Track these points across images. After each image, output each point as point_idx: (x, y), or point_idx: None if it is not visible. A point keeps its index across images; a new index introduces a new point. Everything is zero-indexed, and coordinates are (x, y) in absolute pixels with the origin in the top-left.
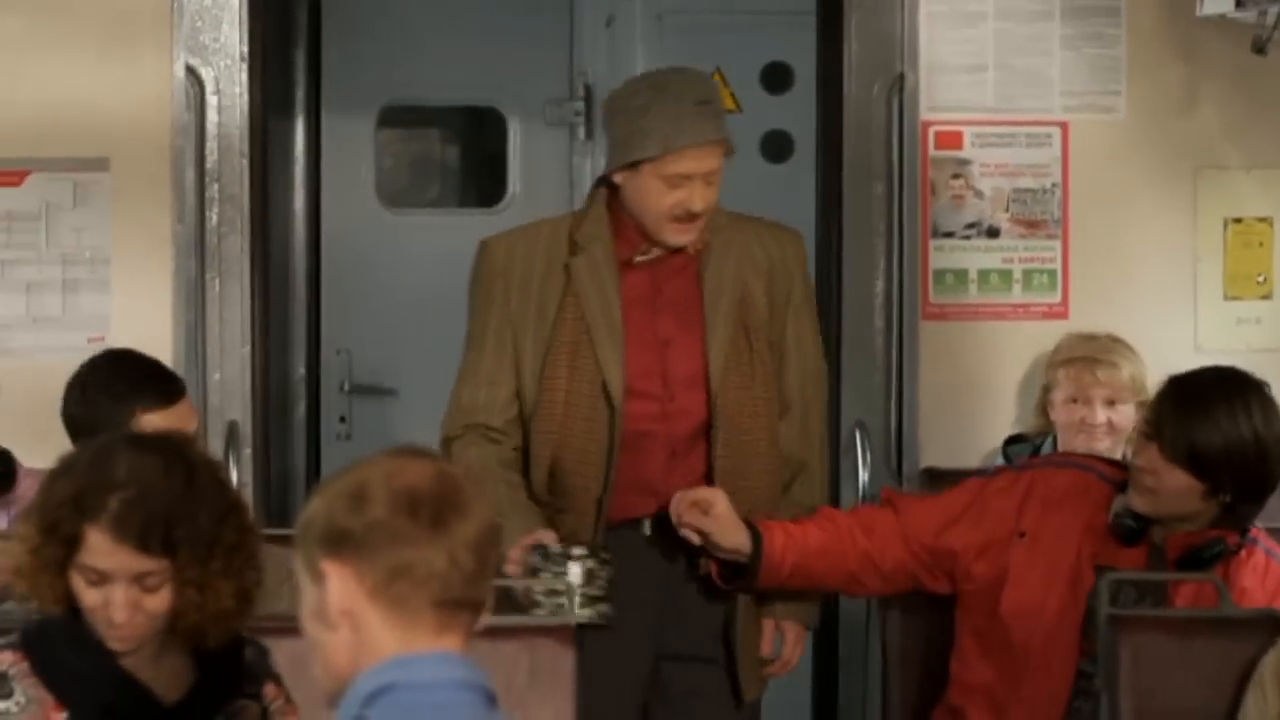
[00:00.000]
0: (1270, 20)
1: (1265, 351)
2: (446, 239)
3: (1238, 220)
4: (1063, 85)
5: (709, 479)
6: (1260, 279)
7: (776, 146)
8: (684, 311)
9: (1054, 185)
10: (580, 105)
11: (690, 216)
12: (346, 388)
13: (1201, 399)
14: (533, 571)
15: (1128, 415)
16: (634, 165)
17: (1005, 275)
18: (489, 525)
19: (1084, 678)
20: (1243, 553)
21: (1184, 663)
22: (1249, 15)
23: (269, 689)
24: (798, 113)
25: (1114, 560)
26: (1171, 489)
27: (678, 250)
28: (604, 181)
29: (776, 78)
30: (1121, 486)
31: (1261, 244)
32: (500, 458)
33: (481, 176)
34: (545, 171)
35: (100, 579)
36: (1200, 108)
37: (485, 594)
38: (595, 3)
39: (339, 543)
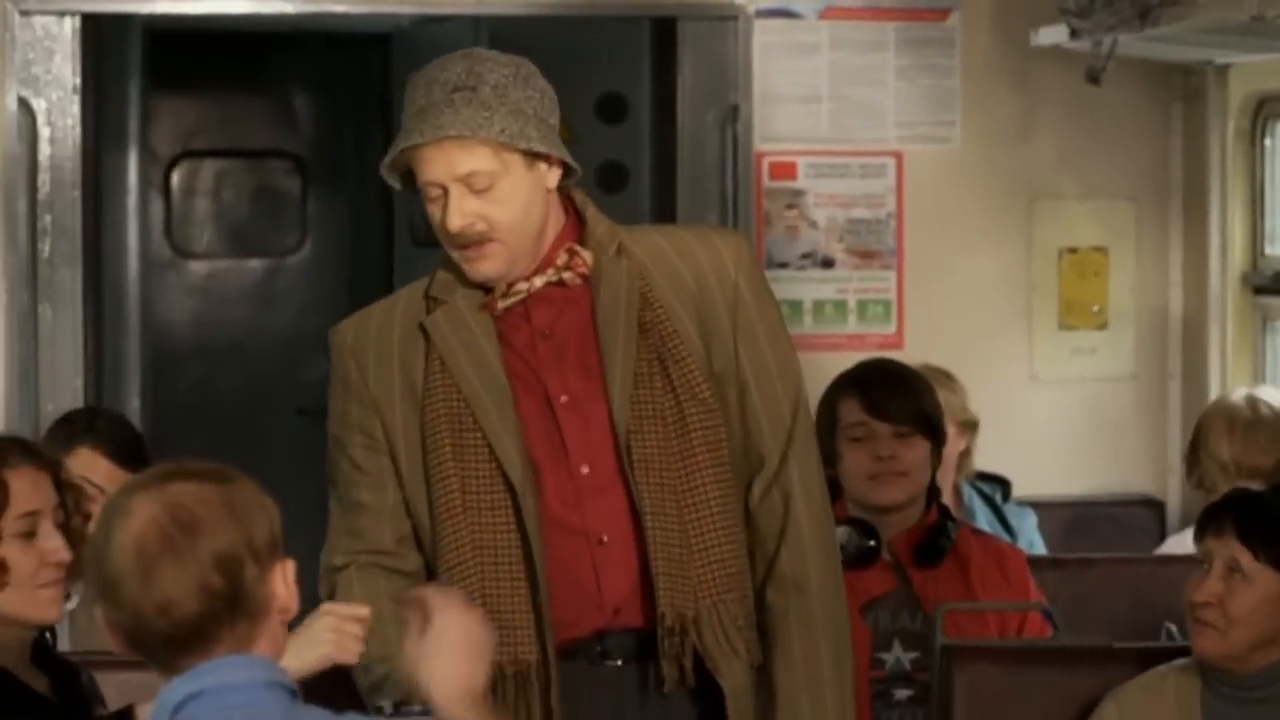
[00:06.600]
0: (1104, 51)
1: (1101, 381)
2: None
3: (1073, 250)
4: (897, 115)
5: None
6: (1095, 309)
7: (611, 177)
8: (579, 357)
9: (888, 215)
10: None
11: (463, 241)
12: None
13: None
14: None
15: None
16: (405, 182)
17: (840, 306)
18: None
19: None
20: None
21: (1019, 694)
22: (1083, 45)
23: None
24: (632, 143)
25: (868, 589)
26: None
27: (558, 281)
28: None
29: (611, 108)
30: None
31: (1096, 274)
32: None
33: None
34: None
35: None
36: (1035, 138)
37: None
38: None
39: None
